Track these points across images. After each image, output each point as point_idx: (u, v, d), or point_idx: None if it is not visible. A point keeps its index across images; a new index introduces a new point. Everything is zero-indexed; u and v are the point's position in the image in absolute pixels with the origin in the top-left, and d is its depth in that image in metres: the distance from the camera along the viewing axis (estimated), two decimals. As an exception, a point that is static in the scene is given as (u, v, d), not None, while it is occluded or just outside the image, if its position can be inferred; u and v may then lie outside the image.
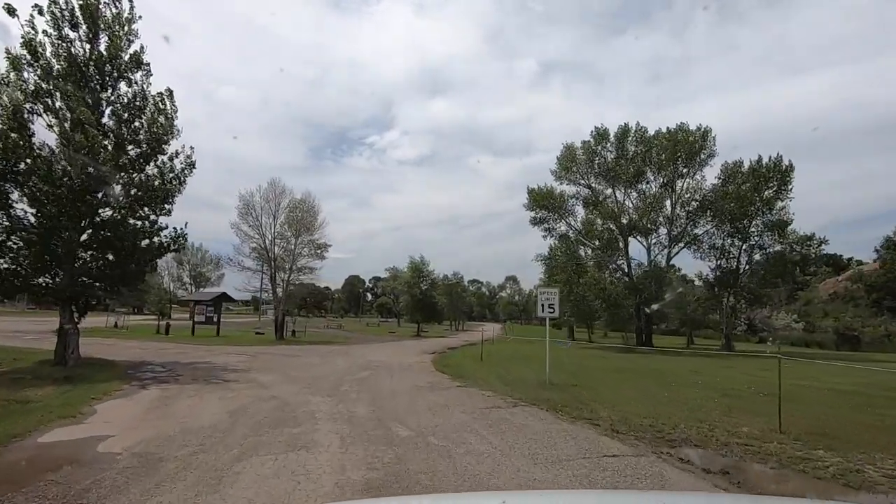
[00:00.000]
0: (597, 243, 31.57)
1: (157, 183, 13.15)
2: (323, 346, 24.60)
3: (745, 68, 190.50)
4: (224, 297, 30.43)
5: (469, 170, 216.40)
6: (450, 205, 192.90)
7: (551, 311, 11.67)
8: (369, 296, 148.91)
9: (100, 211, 12.45)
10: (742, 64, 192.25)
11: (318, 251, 29.13)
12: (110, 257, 12.56)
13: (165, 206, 13.69)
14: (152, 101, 13.03)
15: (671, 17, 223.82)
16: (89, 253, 12.76)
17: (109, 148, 11.91)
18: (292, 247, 28.58)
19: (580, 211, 33.22)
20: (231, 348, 20.38)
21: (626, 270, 31.66)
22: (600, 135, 32.04)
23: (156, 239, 13.68)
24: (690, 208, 31.14)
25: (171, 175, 13.78)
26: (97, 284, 12.80)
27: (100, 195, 12.20)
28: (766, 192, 29.68)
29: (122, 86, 12.64)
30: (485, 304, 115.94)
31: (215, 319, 28.57)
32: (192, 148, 14.30)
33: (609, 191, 32.51)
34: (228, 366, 13.72)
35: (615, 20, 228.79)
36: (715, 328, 39.94)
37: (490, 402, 8.80)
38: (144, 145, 12.74)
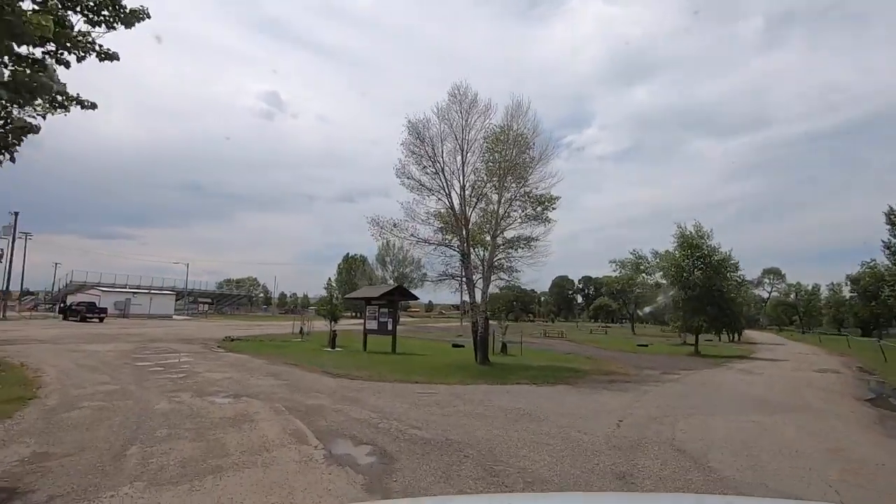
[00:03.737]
0: None
1: None
2: (560, 385, 11.85)
3: None
4: (400, 291, 20.46)
5: (681, 157, 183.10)
6: (658, 198, 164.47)
7: None
8: (579, 298, 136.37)
9: None
10: None
11: (540, 209, 16.48)
12: None
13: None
14: None
15: None
16: None
17: None
18: (494, 206, 16.62)
19: None
20: (375, 399, 9.27)
21: None
22: None
23: None
24: None
25: None
26: None
27: None
28: None
29: None
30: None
31: (390, 326, 18.73)
32: None
33: None
34: None
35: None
36: None
37: None
38: None
